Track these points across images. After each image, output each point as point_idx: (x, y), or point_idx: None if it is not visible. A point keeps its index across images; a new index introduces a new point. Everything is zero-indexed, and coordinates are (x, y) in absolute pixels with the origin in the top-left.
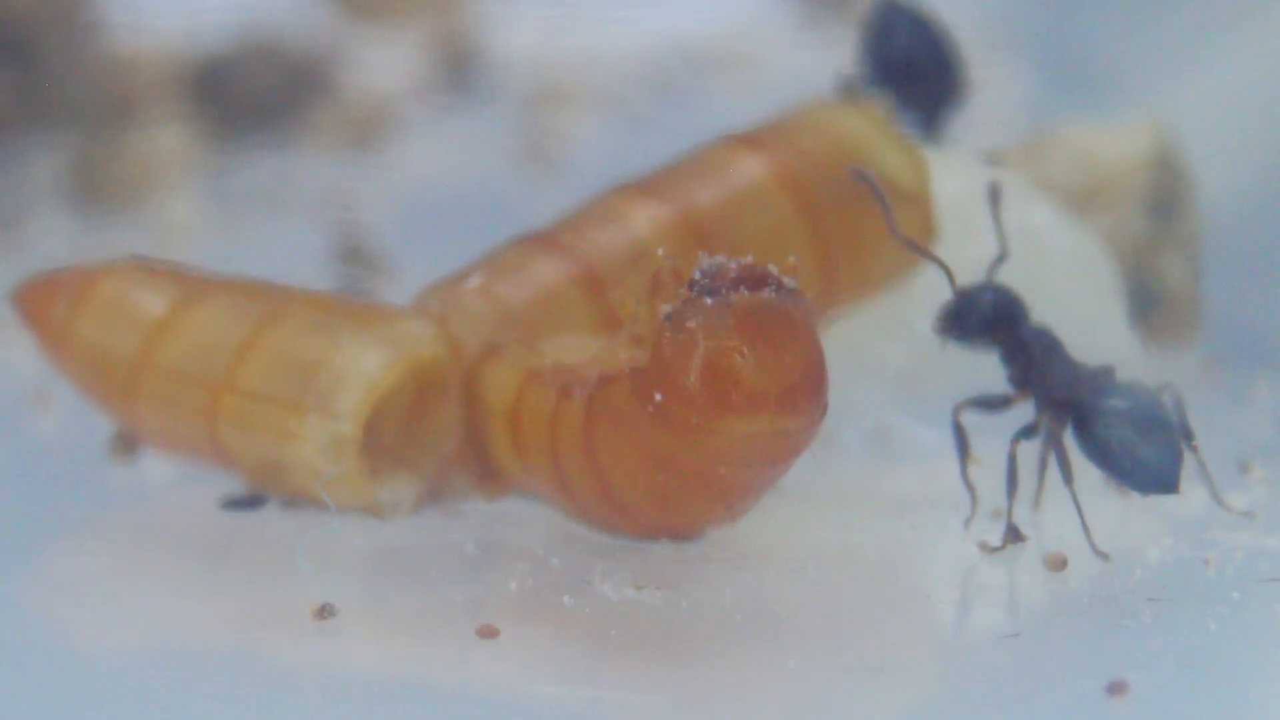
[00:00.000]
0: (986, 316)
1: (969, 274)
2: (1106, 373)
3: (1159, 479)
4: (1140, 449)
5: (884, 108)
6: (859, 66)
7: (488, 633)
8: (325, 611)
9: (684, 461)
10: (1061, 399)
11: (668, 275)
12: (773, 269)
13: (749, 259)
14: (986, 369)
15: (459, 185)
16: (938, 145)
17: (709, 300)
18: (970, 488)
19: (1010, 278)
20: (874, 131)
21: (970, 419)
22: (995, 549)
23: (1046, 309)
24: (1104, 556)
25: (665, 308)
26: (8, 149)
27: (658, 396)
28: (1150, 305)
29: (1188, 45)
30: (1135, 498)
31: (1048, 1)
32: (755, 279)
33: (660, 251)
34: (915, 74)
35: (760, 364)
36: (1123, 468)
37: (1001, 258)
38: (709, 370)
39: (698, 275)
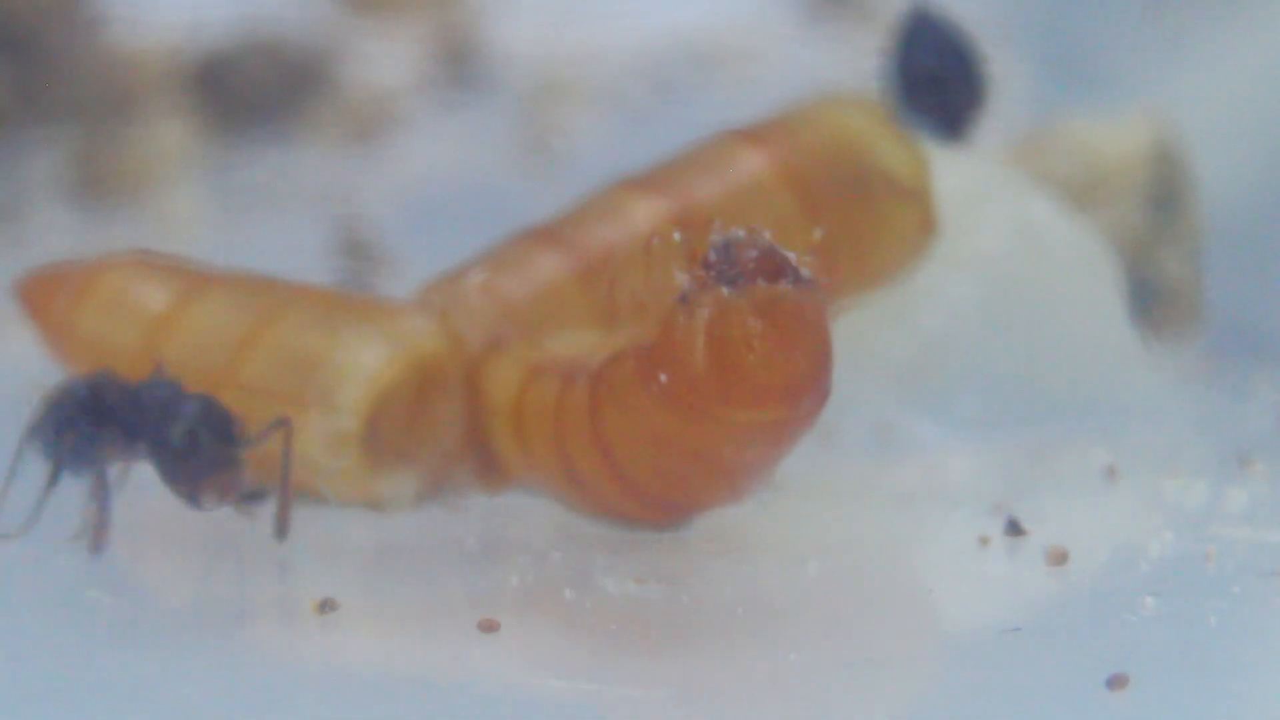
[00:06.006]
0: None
1: (971, 269)
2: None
3: None
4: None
5: (889, 106)
6: (884, 73)
7: (489, 627)
8: (327, 606)
9: (687, 442)
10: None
11: (661, 251)
12: (790, 257)
13: (767, 239)
14: (990, 364)
15: (460, 180)
16: (959, 149)
17: (726, 290)
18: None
19: (1010, 273)
20: (875, 127)
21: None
22: None
23: (1046, 304)
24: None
25: (681, 276)
26: (9, 144)
27: (663, 377)
28: (1150, 299)
29: (1188, 39)
30: (1128, 490)
31: None
32: (773, 268)
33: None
34: (942, 82)
35: (770, 361)
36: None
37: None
38: (718, 361)
39: (713, 255)
